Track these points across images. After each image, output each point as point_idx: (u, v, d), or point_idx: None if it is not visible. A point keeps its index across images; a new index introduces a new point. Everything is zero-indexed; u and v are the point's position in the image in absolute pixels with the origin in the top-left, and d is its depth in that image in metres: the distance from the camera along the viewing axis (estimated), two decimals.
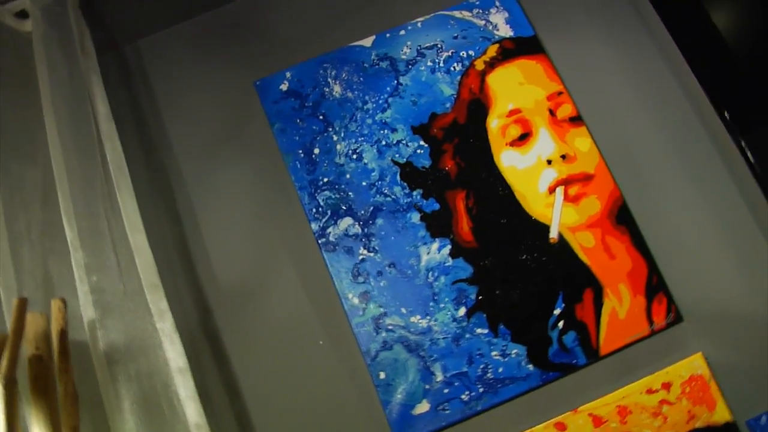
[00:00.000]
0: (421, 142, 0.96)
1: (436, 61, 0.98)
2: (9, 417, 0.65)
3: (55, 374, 0.72)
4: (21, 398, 0.70)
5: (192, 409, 0.76)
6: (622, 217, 0.93)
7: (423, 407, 0.89)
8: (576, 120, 0.95)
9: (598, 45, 0.99)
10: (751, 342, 0.88)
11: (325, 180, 0.97)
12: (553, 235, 0.92)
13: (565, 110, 0.96)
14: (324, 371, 0.90)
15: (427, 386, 0.89)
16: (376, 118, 0.97)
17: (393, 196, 0.95)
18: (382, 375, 0.90)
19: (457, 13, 1.01)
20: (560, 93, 0.96)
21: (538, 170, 0.94)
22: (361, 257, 0.93)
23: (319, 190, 0.97)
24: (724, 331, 0.89)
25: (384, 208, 0.95)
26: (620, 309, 0.90)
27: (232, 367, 0.90)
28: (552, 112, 0.96)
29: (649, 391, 0.86)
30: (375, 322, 0.90)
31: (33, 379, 0.69)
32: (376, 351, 0.90)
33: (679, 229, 0.92)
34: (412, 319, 0.91)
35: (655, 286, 0.90)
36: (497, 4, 1.00)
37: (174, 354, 0.78)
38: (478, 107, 0.97)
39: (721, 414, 0.85)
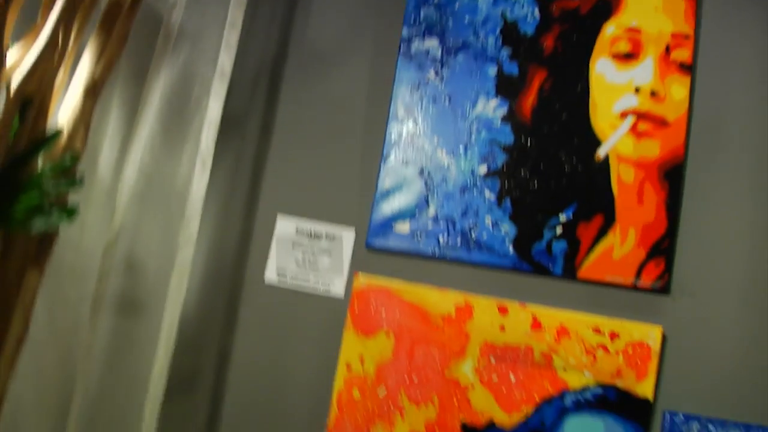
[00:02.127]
0: (536, 12, 0.95)
1: None
2: None
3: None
4: None
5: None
6: (671, 175, 0.91)
7: (403, 228, 0.92)
8: (686, 69, 0.93)
9: (755, 13, 0.94)
10: (717, 356, 0.87)
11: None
12: (601, 154, 0.91)
13: (682, 54, 0.93)
14: (345, 150, 0.94)
15: (416, 213, 0.91)
16: None
17: (483, 43, 0.95)
18: (387, 182, 0.93)
19: None
20: (687, 37, 0.93)
21: (622, 91, 0.92)
22: (427, 78, 0.95)
23: (426, 4, 0.98)
24: (701, 331, 0.88)
25: (470, 48, 0.95)
26: (618, 249, 0.90)
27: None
28: (668, 49, 0.93)
29: (596, 330, 0.88)
30: (406, 134, 0.93)
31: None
32: (393, 158, 0.92)
33: (721, 218, 0.90)
34: (439, 151, 0.93)
35: (661, 249, 0.89)
36: None
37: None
38: (604, 5, 0.94)
39: (645, 389, 0.87)
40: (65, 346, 0.87)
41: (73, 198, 0.77)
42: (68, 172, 0.76)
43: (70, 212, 0.75)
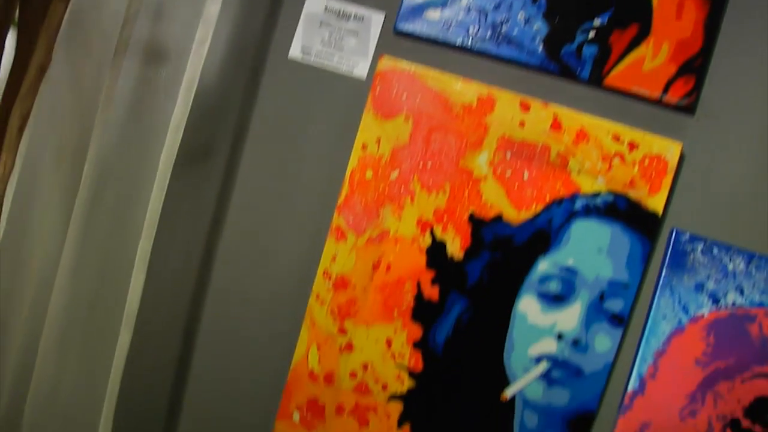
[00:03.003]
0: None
1: None
2: None
3: None
4: None
5: None
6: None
7: (434, 15, 0.90)
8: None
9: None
10: (731, 181, 0.88)
11: None
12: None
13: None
14: None
15: (449, 1, 0.89)
16: None
17: None
18: None
19: None
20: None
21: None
22: None
23: None
24: (720, 154, 0.90)
25: None
26: (649, 62, 0.88)
27: None
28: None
29: (615, 138, 0.87)
30: None
31: None
32: None
33: (757, 45, 0.88)
34: None
35: (693, 67, 0.88)
36: None
37: None
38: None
39: (656, 203, 0.87)
40: (86, 91, 0.86)
41: None
42: None
43: None
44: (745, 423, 0.88)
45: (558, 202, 0.88)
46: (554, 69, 0.89)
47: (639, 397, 0.89)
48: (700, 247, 0.89)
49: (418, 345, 0.90)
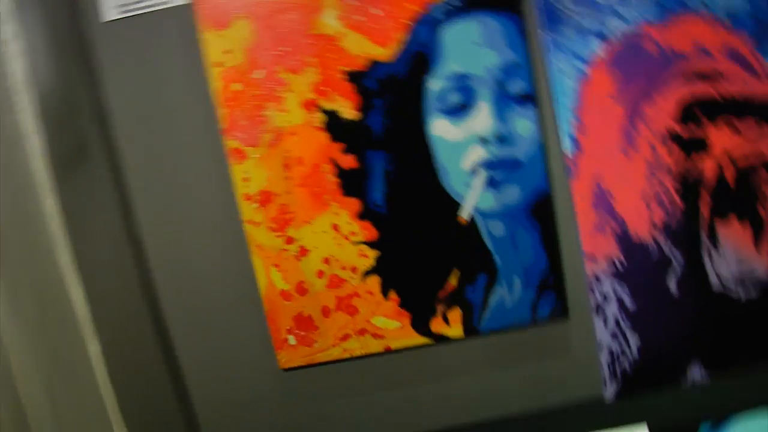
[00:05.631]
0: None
1: None
2: None
3: None
4: None
5: None
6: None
7: None
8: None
9: None
10: None
11: None
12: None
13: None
14: None
15: None
16: None
17: None
18: None
19: None
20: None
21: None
22: None
23: None
24: None
25: None
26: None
27: None
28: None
29: None
30: None
31: None
32: None
33: None
34: None
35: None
36: None
37: None
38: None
39: None
40: None
41: None
42: None
43: None
44: (682, 129, 0.89)
45: (419, 21, 0.87)
46: None
47: (579, 157, 0.89)
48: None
49: (362, 215, 0.90)
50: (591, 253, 0.90)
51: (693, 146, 0.89)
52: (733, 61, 0.89)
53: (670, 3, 0.89)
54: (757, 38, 0.88)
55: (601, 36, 0.89)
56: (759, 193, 0.89)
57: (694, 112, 0.89)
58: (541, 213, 0.90)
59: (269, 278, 0.91)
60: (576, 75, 0.89)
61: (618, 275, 0.90)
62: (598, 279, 0.90)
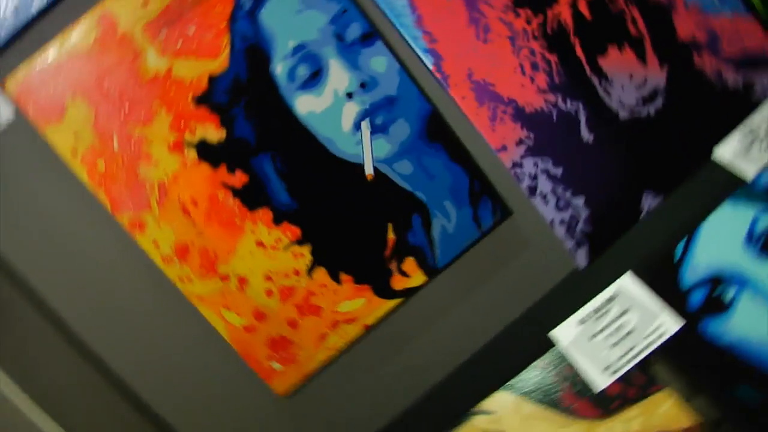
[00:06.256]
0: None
1: None
2: None
3: None
4: None
5: None
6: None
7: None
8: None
9: None
10: None
11: None
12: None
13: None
14: None
15: None
16: None
17: None
18: None
19: None
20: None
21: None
22: None
23: None
24: None
25: None
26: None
27: None
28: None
29: None
30: None
31: None
32: None
33: None
34: None
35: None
36: None
37: None
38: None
39: None
40: None
41: None
42: None
43: None
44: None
45: (233, 19, 0.86)
46: None
47: (443, 64, 0.89)
48: None
49: (277, 220, 0.88)
50: (500, 144, 0.89)
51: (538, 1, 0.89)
52: None
53: None
54: None
55: None
56: (619, 11, 0.89)
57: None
58: (436, 133, 0.89)
59: (225, 321, 0.90)
60: None
61: (533, 151, 0.89)
62: (517, 165, 0.89)
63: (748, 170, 0.87)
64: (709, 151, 0.90)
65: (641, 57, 0.90)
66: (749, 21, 0.90)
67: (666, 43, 0.89)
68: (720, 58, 0.89)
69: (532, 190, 0.90)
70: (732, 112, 0.91)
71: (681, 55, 0.90)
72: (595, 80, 0.89)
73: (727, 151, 0.88)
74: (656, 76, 0.90)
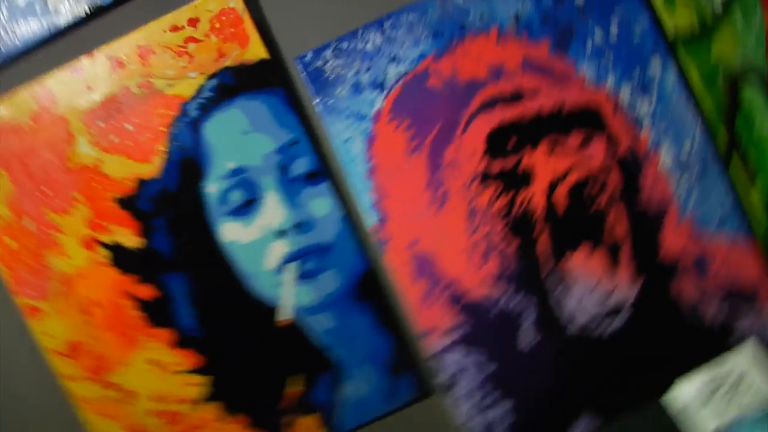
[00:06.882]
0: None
1: None
2: None
3: None
4: None
5: None
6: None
7: None
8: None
9: None
10: None
11: None
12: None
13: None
14: None
15: None
16: None
17: None
18: None
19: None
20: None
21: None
22: None
23: None
24: None
25: None
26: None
27: None
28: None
29: (173, 28, 0.78)
30: None
31: None
32: None
33: None
34: None
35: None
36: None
37: None
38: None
39: (256, 52, 0.77)
40: None
41: None
42: None
43: None
44: (495, 164, 0.78)
45: (174, 126, 0.79)
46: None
47: (387, 225, 0.80)
48: (328, 54, 0.79)
49: (180, 344, 0.82)
50: (430, 326, 0.80)
51: (511, 178, 0.78)
52: (534, 73, 0.78)
53: (448, 27, 0.78)
54: (557, 40, 0.77)
55: (380, 85, 0.78)
56: (602, 207, 0.77)
57: (504, 140, 0.78)
58: (367, 292, 0.80)
59: (105, 429, 0.84)
60: (361, 136, 0.79)
61: (467, 340, 0.80)
62: (446, 350, 0.80)
63: (702, 421, 0.75)
64: (664, 388, 0.78)
65: (614, 264, 0.78)
66: (748, 249, 0.77)
67: (646, 256, 0.77)
68: (703, 285, 0.77)
69: (456, 378, 0.80)
70: (701, 351, 0.78)
71: (659, 273, 0.78)
72: (551, 283, 0.78)
73: (684, 393, 0.76)
74: (624, 290, 0.78)
